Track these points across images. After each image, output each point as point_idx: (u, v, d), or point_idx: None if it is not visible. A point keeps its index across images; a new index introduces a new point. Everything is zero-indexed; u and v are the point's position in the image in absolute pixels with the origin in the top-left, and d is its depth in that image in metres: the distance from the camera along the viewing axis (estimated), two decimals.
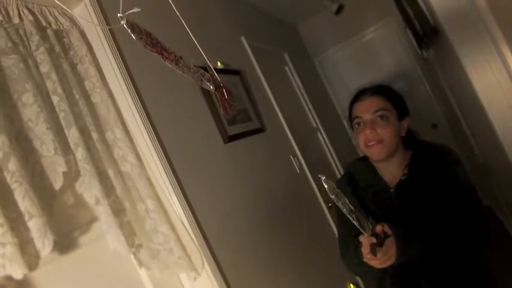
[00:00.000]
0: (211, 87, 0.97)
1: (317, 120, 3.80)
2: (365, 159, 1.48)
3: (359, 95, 1.43)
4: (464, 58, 2.34)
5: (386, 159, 1.38)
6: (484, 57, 2.23)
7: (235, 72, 2.51)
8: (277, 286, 1.98)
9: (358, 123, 1.39)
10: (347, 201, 1.11)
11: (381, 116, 1.34)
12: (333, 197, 1.10)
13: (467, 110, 3.16)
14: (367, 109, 1.36)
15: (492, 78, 2.22)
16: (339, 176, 1.50)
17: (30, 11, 1.31)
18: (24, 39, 1.26)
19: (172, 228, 1.48)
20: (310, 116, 3.81)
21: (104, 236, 1.32)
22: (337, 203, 1.10)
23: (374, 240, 1.12)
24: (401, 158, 1.40)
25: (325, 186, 1.10)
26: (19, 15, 1.27)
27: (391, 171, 1.41)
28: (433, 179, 1.32)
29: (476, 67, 2.31)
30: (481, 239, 1.26)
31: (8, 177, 1.03)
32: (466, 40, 2.30)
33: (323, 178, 1.10)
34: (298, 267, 2.24)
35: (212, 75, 0.99)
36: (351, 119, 1.46)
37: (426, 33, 2.97)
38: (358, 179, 1.48)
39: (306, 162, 2.99)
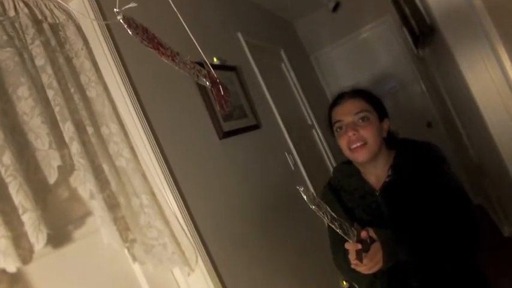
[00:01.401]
0: (208, 83, 0.97)
1: (312, 118, 3.81)
2: (350, 162, 1.45)
3: (338, 99, 1.41)
4: (460, 57, 2.35)
5: (370, 162, 1.35)
6: (479, 56, 2.24)
7: (231, 68, 2.51)
8: (270, 282, 1.99)
9: (340, 127, 1.36)
10: (328, 209, 1.09)
11: (362, 118, 1.32)
12: (313, 207, 1.07)
13: (462, 110, 3.18)
14: (348, 111, 1.34)
15: (487, 77, 2.23)
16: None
17: (25, 4, 1.31)
18: (20, 32, 1.25)
19: (167, 223, 1.48)
20: (305, 113, 3.81)
21: (98, 230, 1.32)
22: (318, 213, 1.08)
23: (359, 246, 1.11)
24: (385, 159, 1.38)
25: (304, 197, 1.07)
26: (15, 8, 1.26)
27: (376, 173, 1.38)
28: (418, 178, 1.30)
29: (472, 66, 2.32)
30: (471, 237, 1.26)
31: (2, 170, 1.03)
32: (462, 39, 2.31)
33: (301, 189, 1.07)
34: (291, 263, 2.25)
35: (208, 71, 0.98)
36: (330, 124, 1.43)
37: (423, 32, 2.98)
38: (344, 183, 1.46)
39: (300, 159, 3.00)
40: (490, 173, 3.10)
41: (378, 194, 1.35)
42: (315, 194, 1.09)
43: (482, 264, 1.37)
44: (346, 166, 1.48)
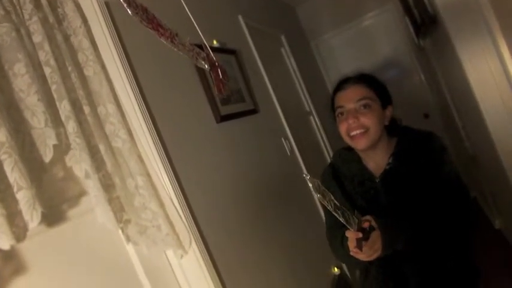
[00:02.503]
0: (206, 66, 0.96)
1: (310, 104, 3.80)
2: (350, 148, 1.45)
3: (342, 84, 1.40)
4: (461, 48, 2.34)
5: (370, 149, 1.36)
6: (480, 48, 2.23)
7: (231, 52, 2.49)
8: (263, 266, 2.01)
9: (341, 113, 1.36)
10: (332, 197, 1.10)
11: (364, 105, 1.32)
12: (318, 195, 1.08)
13: (460, 101, 3.18)
14: (350, 98, 1.34)
15: (486, 69, 2.23)
16: (329, 161, 1.50)
17: None
18: (17, 7, 1.23)
19: (161, 205, 1.48)
20: (303, 99, 3.80)
21: (93, 210, 1.32)
22: (322, 201, 1.09)
23: (360, 235, 1.12)
24: (386, 146, 1.38)
25: (310, 185, 1.07)
26: None
27: (376, 160, 1.39)
28: (419, 167, 1.31)
29: (472, 57, 2.32)
30: (468, 227, 1.28)
31: None
32: (463, 30, 2.30)
33: (308, 177, 1.08)
34: (284, 249, 2.27)
35: (208, 54, 0.98)
36: (333, 108, 1.43)
37: (424, 22, 2.96)
38: (344, 169, 1.46)
39: (297, 145, 3.00)
40: (484, 165, 3.12)
41: (377, 180, 1.36)
42: (319, 183, 1.10)
43: (475, 255, 1.38)
44: (346, 152, 1.48)
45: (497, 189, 2.97)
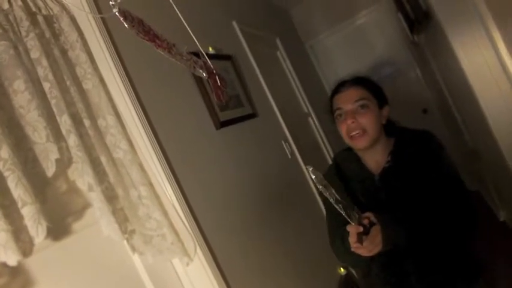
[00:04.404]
0: (204, 74, 0.97)
1: (308, 106, 3.81)
2: (350, 149, 1.50)
3: (339, 87, 1.46)
4: (455, 42, 2.36)
5: (370, 148, 1.40)
6: (474, 41, 2.24)
7: (227, 58, 2.50)
8: (269, 271, 2.01)
9: (340, 114, 1.41)
10: (334, 191, 1.13)
11: (362, 106, 1.37)
12: (320, 187, 1.12)
13: (458, 95, 3.19)
14: (348, 99, 1.39)
15: (482, 62, 2.24)
16: (329, 161, 1.54)
17: None
18: (14, 25, 1.24)
19: (165, 214, 1.49)
20: (301, 101, 3.81)
21: (97, 222, 1.33)
22: (325, 194, 1.12)
23: (361, 229, 1.14)
24: (385, 145, 1.42)
25: (313, 177, 1.12)
26: (8, 0, 1.25)
27: (375, 159, 1.43)
28: (418, 165, 1.34)
29: (467, 51, 2.33)
30: (468, 222, 1.29)
31: (0, 164, 1.03)
32: (457, 24, 2.31)
33: (311, 169, 1.12)
34: (289, 251, 2.27)
35: (205, 62, 0.99)
36: (332, 111, 1.48)
37: (418, 18, 2.97)
38: (344, 169, 1.50)
39: (297, 147, 3.01)
40: (485, 157, 3.12)
41: (377, 179, 1.40)
42: (322, 176, 1.14)
43: (476, 249, 1.40)
44: (347, 152, 1.52)
45: (499, 180, 2.97)
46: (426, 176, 1.31)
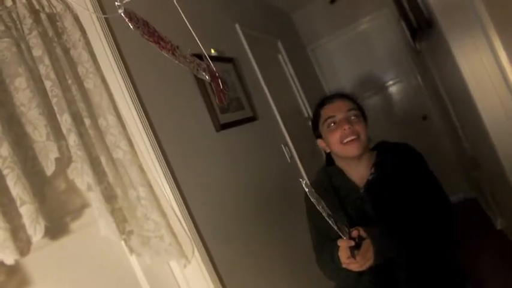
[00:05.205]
0: (207, 77, 0.97)
1: (309, 110, 3.81)
2: (330, 164, 1.53)
3: (327, 99, 1.50)
4: (456, 50, 2.36)
5: (355, 160, 1.41)
6: (475, 49, 2.25)
7: (229, 60, 2.50)
8: (266, 273, 2.00)
9: (333, 122, 1.42)
10: (325, 205, 1.13)
11: (355, 115, 1.40)
12: (313, 200, 1.12)
13: (457, 102, 3.19)
14: (341, 108, 1.42)
15: (483, 70, 2.25)
16: None
17: None
18: (17, 22, 1.23)
19: (163, 215, 1.49)
20: (302, 105, 3.81)
21: (96, 222, 1.32)
22: (317, 207, 1.12)
23: (352, 243, 1.14)
24: (368, 159, 1.44)
25: (306, 190, 1.13)
26: None
27: (359, 171, 1.44)
28: (401, 176, 1.37)
29: (468, 59, 2.34)
30: (452, 229, 1.32)
31: (0, 162, 1.02)
32: (458, 32, 2.32)
33: (303, 182, 1.12)
34: (286, 255, 2.27)
35: (208, 65, 0.98)
36: (317, 123, 1.51)
37: (421, 26, 2.98)
38: (328, 183, 1.50)
39: (297, 151, 3.00)
40: (483, 165, 3.13)
41: (361, 191, 1.40)
42: (313, 189, 1.14)
43: (459, 258, 1.43)
44: (330, 167, 1.54)
45: (497, 188, 2.97)
46: (410, 185, 1.34)
